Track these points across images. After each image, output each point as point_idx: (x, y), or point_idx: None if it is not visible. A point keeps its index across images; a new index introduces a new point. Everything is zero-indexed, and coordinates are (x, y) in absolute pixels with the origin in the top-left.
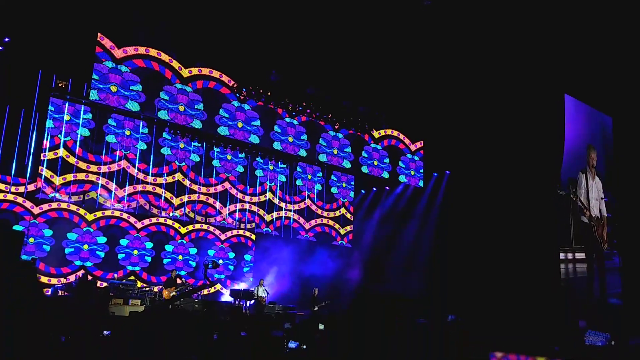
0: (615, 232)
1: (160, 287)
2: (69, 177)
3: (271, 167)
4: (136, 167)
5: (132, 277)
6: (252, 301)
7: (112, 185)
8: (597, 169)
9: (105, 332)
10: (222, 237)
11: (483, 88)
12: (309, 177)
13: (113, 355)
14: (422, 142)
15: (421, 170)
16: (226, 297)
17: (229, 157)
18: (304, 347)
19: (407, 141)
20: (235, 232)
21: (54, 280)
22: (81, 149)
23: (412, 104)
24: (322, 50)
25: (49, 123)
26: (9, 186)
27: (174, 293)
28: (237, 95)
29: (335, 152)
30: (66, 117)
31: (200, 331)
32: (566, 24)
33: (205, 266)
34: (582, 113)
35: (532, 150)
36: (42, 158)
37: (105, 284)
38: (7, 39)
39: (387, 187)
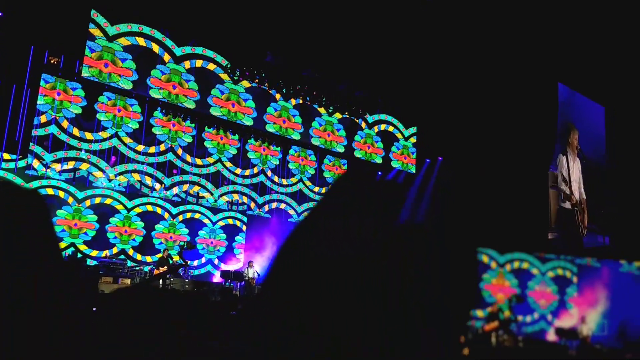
0: (598, 218)
1: (151, 267)
2: (60, 154)
3: (265, 149)
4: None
5: (122, 256)
6: (242, 282)
7: (108, 168)
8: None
9: (94, 310)
10: (214, 218)
11: (476, 74)
12: (306, 156)
13: (100, 331)
14: (415, 127)
15: (414, 156)
16: (217, 278)
17: (220, 140)
18: None
19: (400, 126)
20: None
21: None
22: (73, 126)
23: (406, 90)
24: (318, 34)
25: (40, 99)
26: None
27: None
28: (231, 75)
29: (328, 136)
30: (58, 95)
31: (190, 310)
32: (559, 10)
33: (181, 247)
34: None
35: (524, 135)
36: (33, 134)
37: (94, 262)
38: (0, 14)
39: (379, 173)
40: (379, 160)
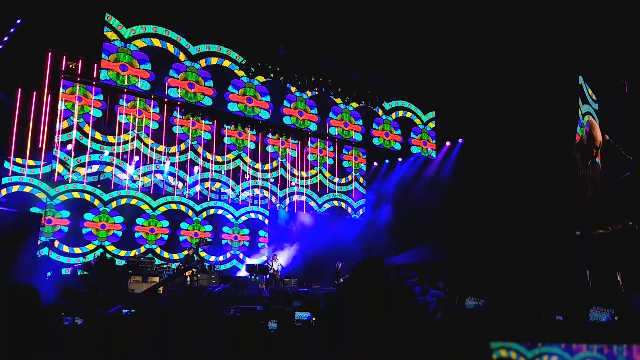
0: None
1: (179, 264)
2: (83, 158)
3: (284, 142)
4: (149, 147)
5: (149, 255)
6: (267, 275)
7: (129, 167)
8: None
9: (124, 311)
10: (237, 213)
11: (494, 54)
12: (324, 147)
13: (134, 332)
14: (433, 112)
15: (433, 141)
16: (242, 272)
17: (237, 137)
18: (314, 319)
19: (418, 112)
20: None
21: (73, 260)
22: (95, 130)
23: (422, 74)
24: (330, 22)
25: (61, 105)
26: (24, 169)
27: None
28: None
29: (345, 126)
30: (79, 100)
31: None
32: None
33: (197, 244)
34: None
35: (546, 117)
36: (55, 140)
37: (123, 262)
38: (18, 21)
39: (399, 159)
40: (398, 147)
